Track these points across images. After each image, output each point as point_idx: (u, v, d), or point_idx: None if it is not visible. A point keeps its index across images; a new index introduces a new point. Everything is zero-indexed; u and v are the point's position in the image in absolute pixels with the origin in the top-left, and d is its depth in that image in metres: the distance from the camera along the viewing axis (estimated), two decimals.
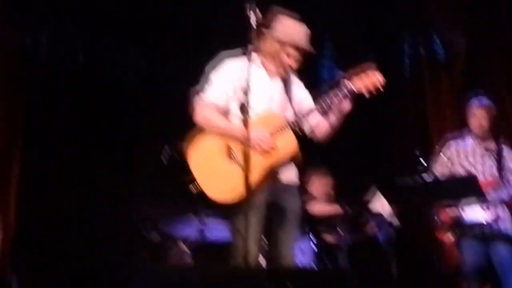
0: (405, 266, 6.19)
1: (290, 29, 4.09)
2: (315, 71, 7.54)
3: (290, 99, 4.19)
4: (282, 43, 4.07)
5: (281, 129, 3.96)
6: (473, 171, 5.33)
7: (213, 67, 4.18)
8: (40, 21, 7.10)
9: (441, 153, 5.62)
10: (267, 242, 4.20)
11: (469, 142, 5.54)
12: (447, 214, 5.27)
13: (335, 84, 3.97)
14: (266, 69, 4.16)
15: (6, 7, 6.81)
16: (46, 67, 7.05)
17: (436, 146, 5.97)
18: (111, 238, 6.42)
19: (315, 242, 6.11)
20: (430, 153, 6.16)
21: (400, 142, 7.21)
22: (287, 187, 4.12)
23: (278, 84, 4.18)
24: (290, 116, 4.12)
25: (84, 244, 6.66)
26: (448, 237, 5.31)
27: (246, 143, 3.50)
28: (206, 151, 4.02)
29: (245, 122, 3.44)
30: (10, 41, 6.85)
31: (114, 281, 4.94)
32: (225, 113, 4.11)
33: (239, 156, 3.82)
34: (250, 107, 3.74)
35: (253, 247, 3.84)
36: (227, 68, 4.13)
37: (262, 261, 4.30)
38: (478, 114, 5.49)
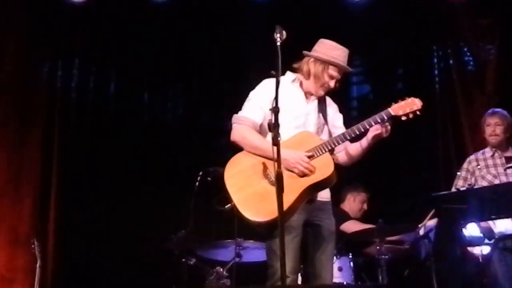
0: (446, 281, 6.11)
1: (333, 51, 4.17)
2: (345, 88, 7.54)
3: (325, 120, 4.21)
4: (325, 64, 4.13)
5: (319, 150, 3.95)
6: (496, 182, 5.28)
7: None
8: (71, 55, 7.28)
9: (461, 169, 5.58)
10: (304, 262, 4.18)
11: (489, 155, 5.49)
12: (479, 226, 5.21)
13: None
14: (304, 90, 4.21)
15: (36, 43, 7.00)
16: (79, 101, 7.21)
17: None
18: (151, 265, 6.45)
19: (353, 259, 6.07)
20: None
21: (433, 156, 7.13)
22: (321, 205, 4.11)
23: (314, 105, 4.21)
24: (325, 137, 4.14)
25: (124, 271, 6.72)
26: (480, 250, 5.24)
27: (277, 162, 3.45)
28: (242, 171, 4.00)
29: (274, 141, 3.41)
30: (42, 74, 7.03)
31: None
32: (264, 132, 4.11)
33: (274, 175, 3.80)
34: (284, 126, 3.74)
35: (290, 268, 3.82)
36: (264, 85, 4.18)
37: (300, 281, 4.26)
38: (492, 122, 5.48)
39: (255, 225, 3.91)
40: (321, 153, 3.95)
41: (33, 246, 6.27)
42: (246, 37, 6.98)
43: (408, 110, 3.97)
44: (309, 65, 4.17)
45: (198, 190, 5.42)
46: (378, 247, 5.87)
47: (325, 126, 4.22)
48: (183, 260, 5.77)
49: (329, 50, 4.16)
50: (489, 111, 5.64)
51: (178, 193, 6.16)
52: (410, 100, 4.00)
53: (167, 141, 7.30)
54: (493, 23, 7.12)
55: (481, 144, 6.13)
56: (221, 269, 5.76)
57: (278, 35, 3.59)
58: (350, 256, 6.06)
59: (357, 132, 4.01)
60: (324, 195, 4.14)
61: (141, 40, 7.26)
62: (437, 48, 7.42)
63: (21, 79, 6.95)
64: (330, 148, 3.99)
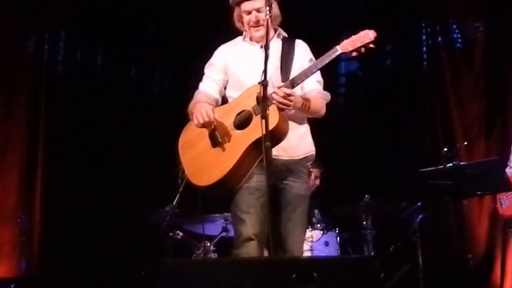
0: (432, 256, 6.17)
1: None
2: (333, 64, 7.51)
3: (285, 65, 3.89)
4: (237, 7, 4.01)
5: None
6: None
7: None
8: (58, 28, 7.20)
9: None
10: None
11: None
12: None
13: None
14: (250, 40, 4.02)
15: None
16: (66, 75, 7.16)
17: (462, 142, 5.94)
18: (138, 239, 6.44)
19: (339, 234, 6.11)
20: (453, 142, 6.15)
21: (421, 132, 7.16)
22: (290, 165, 3.83)
23: (260, 52, 3.84)
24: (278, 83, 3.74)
25: (111, 245, 6.73)
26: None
27: (264, 136, 3.40)
28: (192, 139, 3.90)
29: (263, 114, 3.39)
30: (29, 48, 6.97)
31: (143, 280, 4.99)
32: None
33: (223, 138, 3.74)
34: (243, 84, 3.77)
35: (255, 231, 3.68)
36: (213, 55, 4.11)
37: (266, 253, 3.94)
38: None
39: (204, 191, 3.83)
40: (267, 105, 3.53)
41: (19, 220, 6.27)
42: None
43: (358, 45, 3.61)
44: (234, 16, 4.05)
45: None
46: (364, 222, 5.93)
47: (282, 74, 3.83)
48: (170, 234, 5.79)
49: None
50: None
51: (165, 167, 6.15)
52: (362, 33, 3.63)
53: (154, 115, 7.28)
54: (481, 1, 7.11)
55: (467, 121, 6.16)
56: (208, 243, 5.78)
57: (268, 8, 3.59)
58: (337, 231, 6.10)
59: (304, 78, 3.70)
60: (293, 152, 3.84)
61: (128, 13, 7.20)
62: (425, 25, 7.40)
63: (7, 53, 6.87)
64: (272, 100, 3.60)
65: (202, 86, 4.08)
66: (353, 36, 3.63)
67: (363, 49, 3.62)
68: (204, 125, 3.77)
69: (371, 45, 3.61)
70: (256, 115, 3.65)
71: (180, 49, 7.33)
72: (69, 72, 7.21)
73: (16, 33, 6.93)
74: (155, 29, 7.33)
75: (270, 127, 3.47)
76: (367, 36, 3.61)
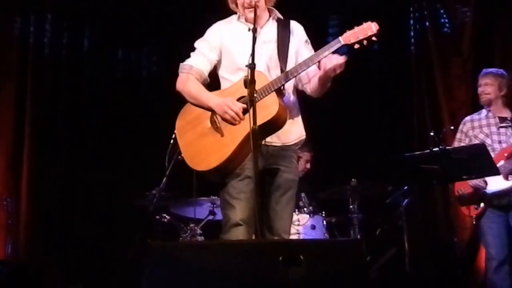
0: (418, 240, 6.21)
1: None
2: (321, 48, 7.51)
3: (282, 50, 3.84)
4: None
5: (261, 93, 3.59)
6: (487, 141, 5.32)
7: None
8: (43, 10, 7.14)
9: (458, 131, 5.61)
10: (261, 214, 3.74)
11: (483, 115, 5.52)
12: (470, 187, 5.27)
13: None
14: (247, 23, 3.91)
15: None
16: (52, 57, 7.12)
17: (449, 127, 5.96)
18: (125, 222, 6.45)
19: (326, 218, 6.13)
20: (440, 126, 6.17)
21: (408, 117, 7.17)
22: (281, 150, 3.83)
23: (257, 37, 3.64)
24: (275, 67, 3.78)
25: (98, 228, 6.74)
26: (473, 210, 5.31)
27: (252, 119, 3.38)
28: (190, 122, 3.86)
29: (251, 97, 3.37)
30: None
31: (129, 261, 5.00)
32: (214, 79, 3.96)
33: (222, 123, 3.71)
34: (237, 68, 3.73)
35: (242, 216, 3.68)
36: (207, 33, 4.01)
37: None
38: (482, 82, 5.51)
39: (204, 175, 3.80)
40: (264, 95, 3.61)
41: (5, 203, 6.25)
42: None
43: (361, 37, 3.57)
44: None
45: (173, 148, 5.41)
46: (351, 206, 5.95)
47: (279, 58, 3.81)
48: (157, 217, 5.80)
49: None
50: (483, 70, 5.63)
51: (153, 150, 6.15)
52: (365, 25, 3.59)
53: (142, 97, 7.25)
54: None
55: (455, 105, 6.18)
56: (195, 227, 5.79)
57: None
58: (323, 215, 6.12)
59: (305, 68, 3.67)
60: (286, 138, 3.83)
61: None
62: (413, 10, 7.39)
63: None
64: (273, 89, 3.63)
65: (196, 61, 3.92)
66: (355, 28, 3.60)
67: (365, 42, 3.59)
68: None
69: (374, 38, 3.58)
70: (256, 102, 3.50)
71: (167, 32, 7.29)
72: (55, 55, 7.16)
73: (1, 15, 6.87)
74: (143, 11, 7.28)
75: (270, 117, 3.56)
76: (370, 28, 3.58)
